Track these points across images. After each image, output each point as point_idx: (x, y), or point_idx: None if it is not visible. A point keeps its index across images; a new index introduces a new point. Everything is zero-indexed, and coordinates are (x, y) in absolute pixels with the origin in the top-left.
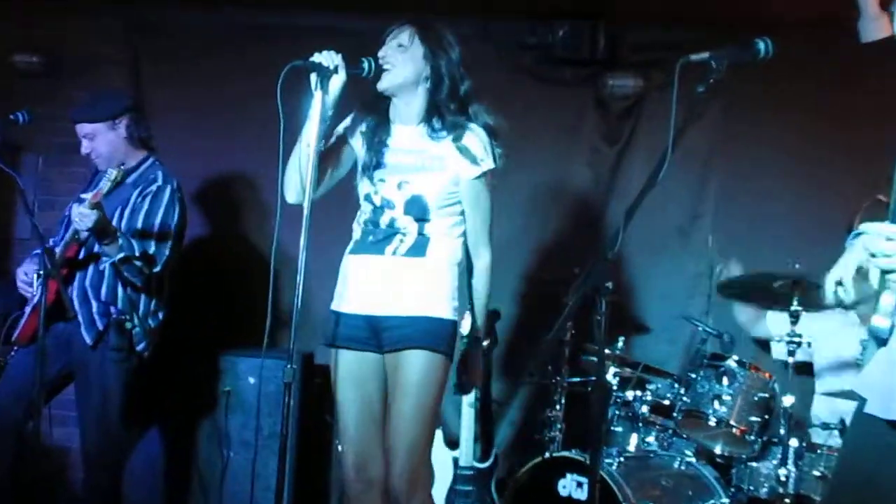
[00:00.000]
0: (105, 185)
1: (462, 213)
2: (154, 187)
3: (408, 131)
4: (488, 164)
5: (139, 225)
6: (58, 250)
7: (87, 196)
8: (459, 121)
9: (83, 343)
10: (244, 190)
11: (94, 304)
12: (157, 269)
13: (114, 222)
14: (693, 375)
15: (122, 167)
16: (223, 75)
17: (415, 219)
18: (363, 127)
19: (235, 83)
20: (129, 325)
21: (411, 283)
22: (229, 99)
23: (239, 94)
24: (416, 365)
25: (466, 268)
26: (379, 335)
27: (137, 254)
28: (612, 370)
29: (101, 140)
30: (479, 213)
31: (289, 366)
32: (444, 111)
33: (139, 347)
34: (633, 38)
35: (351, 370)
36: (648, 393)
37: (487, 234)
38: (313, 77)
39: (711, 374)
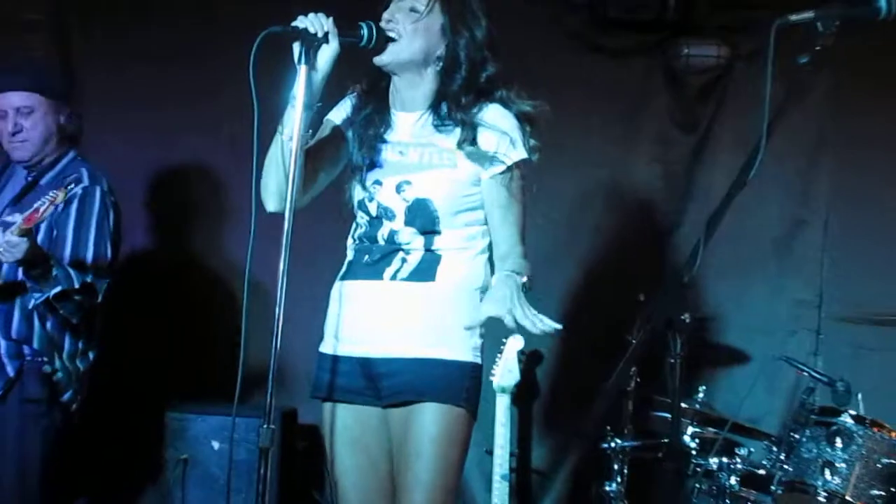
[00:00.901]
0: (45, 207)
1: (484, 221)
2: (79, 190)
3: (410, 120)
4: (518, 153)
5: (68, 243)
6: None
7: (14, 219)
8: (470, 117)
9: None
10: (205, 195)
11: (2, 344)
12: (99, 299)
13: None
14: (796, 436)
15: (67, 185)
16: (177, 45)
17: (420, 231)
18: (357, 113)
19: (194, 56)
20: (48, 368)
21: (416, 315)
22: (186, 77)
23: (199, 69)
24: (426, 424)
25: None
26: (376, 383)
27: (77, 285)
28: (689, 430)
29: (41, 121)
30: (508, 219)
31: (266, 426)
32: (453, 104)
33: (64, 398)
34: None
35: (348, 429)
36: (738, 459)
37: (521, 244)
38: (296, 47)
39: (821, 433)
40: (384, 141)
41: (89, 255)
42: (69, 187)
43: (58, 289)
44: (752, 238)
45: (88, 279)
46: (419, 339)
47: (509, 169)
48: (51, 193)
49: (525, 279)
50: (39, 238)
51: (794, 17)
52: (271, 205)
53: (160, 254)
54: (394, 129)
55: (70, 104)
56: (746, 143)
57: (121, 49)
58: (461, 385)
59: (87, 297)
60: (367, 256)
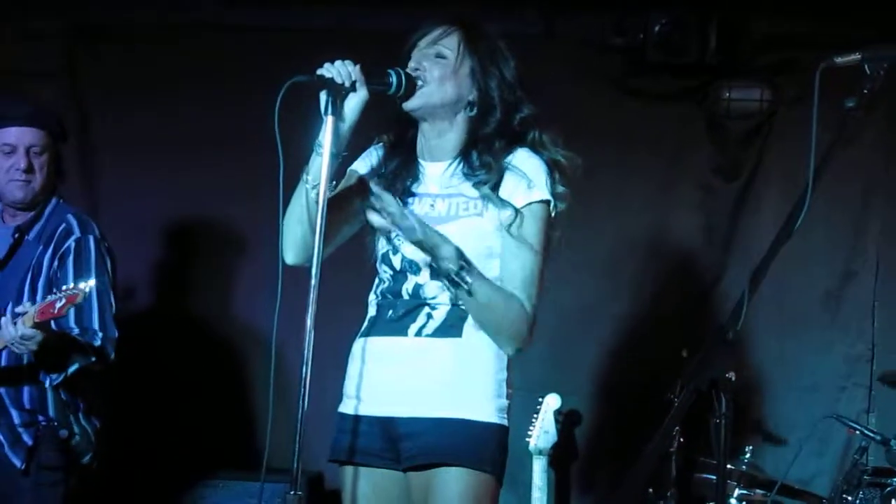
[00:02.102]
0: (63, 305)
1: None
2: (72, 242)
3: (438, 170)
4: (535, 195)
5: (72, 309)
6: None
7: (25, 308)
8: (498, 160)
9: (9, 467)
10: (222, 248)
11: (15, 415)
12: (112, 356)
13: (25, 298)
14: (849, 498)
15: (79, 285)
16: (194, 94)
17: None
18: (383, 165)
19: (212, 104)
20: (64, 433)
21: (441, 373)
22: (202, 127)
23: (217, 119)
24: (451, 489)
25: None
26: (396, 445)
27: (94, 359)
28: (736, 492)
29: (48, 162)
30: (511, 266)
31: (293, 492)
32: (485, 148)
33: (84, 461)
34: (758, 34)
35: (366, 497)
36: None
37: (521, 292)
38: (323, 97)
39: (875, 495)
40: (412, 194)
41: (95, 320)
42: (85, 287)
43: (74, 367)
44: (800, 291)
45: (98, 342)
46: (443, 398)
47: (519, 211)
48: (70, 289)
49: (464, 271)
50: (38, 292)
51: (839, 60)
52: (290, 257)
53: (177, 312)
54: (421, 180)
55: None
56: (792, 192)
57: (132, 97)
58: (486, 448)
59: (103, 361)
60: (390, 312)
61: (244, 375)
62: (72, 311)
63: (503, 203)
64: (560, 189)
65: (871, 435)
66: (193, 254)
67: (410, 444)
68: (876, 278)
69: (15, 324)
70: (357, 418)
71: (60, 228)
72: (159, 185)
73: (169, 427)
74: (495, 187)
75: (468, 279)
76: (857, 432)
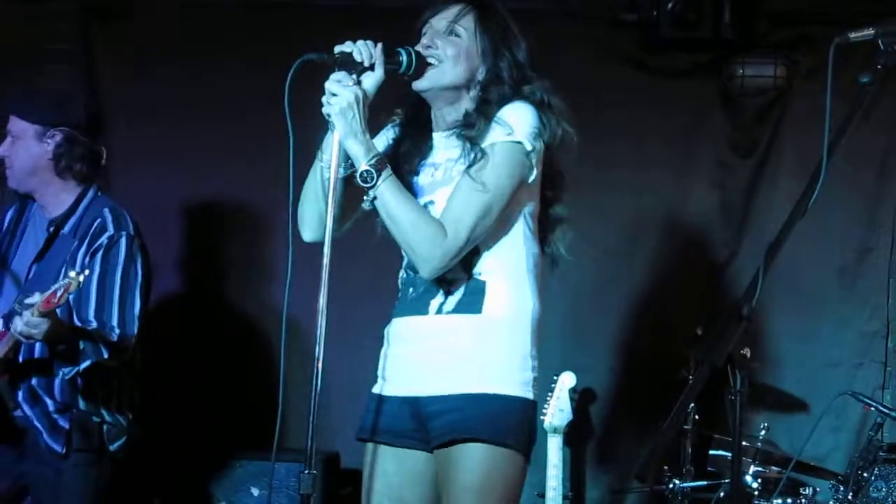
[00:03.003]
0: (62, 293)
1: (523, 238)
2: (104, 239)
3: (444, 139)
4: (511, 137)
5: (92, 302)
6: None
7: (34, 299)
8: (487, 113)
9: (48, 453)
10: (235, 228)
11: (49, 403)
12: (130, 354)
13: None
14: (864, 474)
15: (82, 270)
16: (209, 73)
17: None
18: (400, 142)
19: (225, 83)
20: (96, 419)
21: (463, 349)
22: (217, 106)
23: (231, 98)
24: (471, 465)
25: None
26: (425, 424)
27: (107, 355)
28: (751, 469)
29: (23, 148)
30: (463, 191)
31: (306, 471)
32: (482, 106)
33: (113, 447)
34: (772, 9)
35: (387, 476)
36: (803, 500)
37: (456, 219)
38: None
39: (890, 472)
40: (424, 165)
41: (114, 316)
42: (78, 279)
43: (87, 363)
44: (815, 267)
45: (114, 335)
46: (464, 374)
47: (482, 151)
48: (68, 277)
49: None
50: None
51: (853, 35)
52: (308, 234)
53: (195, 292)
54: (433, 152)
55: (67, 133)
56: (807, 167)
57: (150, 74)
58: (509, 422)
59: (119, 357)
60: (411, 290)
61: (266, 356)
62: (91, 308)
63: (473, 149)
64: (551, 125)
65: (887, 411)
66: (209, 234)
67: (438, 423)
68: (891, 254)
69: (22, 314)
70: (382, 398)
71: (95, 224)
72: (175, 164)
73: (190, 407)
74: (478, 139)
75: (378, 182)
76: (873, 409)
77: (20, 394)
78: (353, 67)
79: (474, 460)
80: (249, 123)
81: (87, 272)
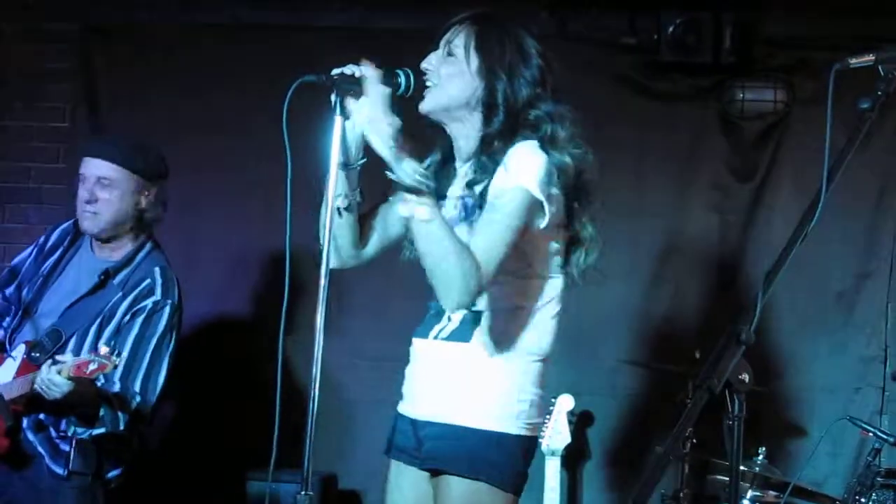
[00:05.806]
0: (95, 369)
1: (538, 274)
2: (149, 303)
3: (463, 171)
4: (526, 185)
5: (122, 362)
6: (4, 393)
7: (65, 358)
8: (494, 158)
9: (52, 480)
10: (241, 248)
11: (52, 430)
12: (144, 423)
13: (89, 338)
14: (862, 500)
15: (112, 354)
16: (208, 94)
17: None
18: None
19: (225, 105)
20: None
21: (450, 378)
22: (216, 126)
23: (230, 119)
24: (451, 497)
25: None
26: (420, 446)
27: (123, 427)
28: (749, 493)
29: (118, 197)
30: (489, 223)
31: (303, 492)
32: (486, 147)
33: (110, 475)
34: (772, 34)
35: (401, 490)
36: None
37: (487, 249)
38: (334, 98)
39: (888, 497)
40: (444, 196)
41: (138, 383)
42: (116, 356)
43: (102, 430)
44: (814, 292)
45: (134, 405)
46: (452, 403)
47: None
48: (108, 359)
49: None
50: (102, 338)
51: (853, 61)
52: (331, 262)
53: (194, 314)
54: (454, 182)
55: (160, 188)
56: (806, 193)
57: (148, 95)
58: (489, 458)
59: (134, 428)
60: (430, 312)
61: (266, 377)
62: (121, 367)
63: (482, 201)
64: (554, 192)
65: (884, 436)
66: (209, 255)
67: (427, 448)
68: (890, 279)
69: (50, 369)
70: (399, 416)
71: (144, 284)
72: (174, 185)
73: (189, 430)
74: (481, 185)
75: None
76: (871, 434)
77: (25, 421)
78: (350, 90)
79: (453, 494)
80: (248, 144)
81: (125, 355)
